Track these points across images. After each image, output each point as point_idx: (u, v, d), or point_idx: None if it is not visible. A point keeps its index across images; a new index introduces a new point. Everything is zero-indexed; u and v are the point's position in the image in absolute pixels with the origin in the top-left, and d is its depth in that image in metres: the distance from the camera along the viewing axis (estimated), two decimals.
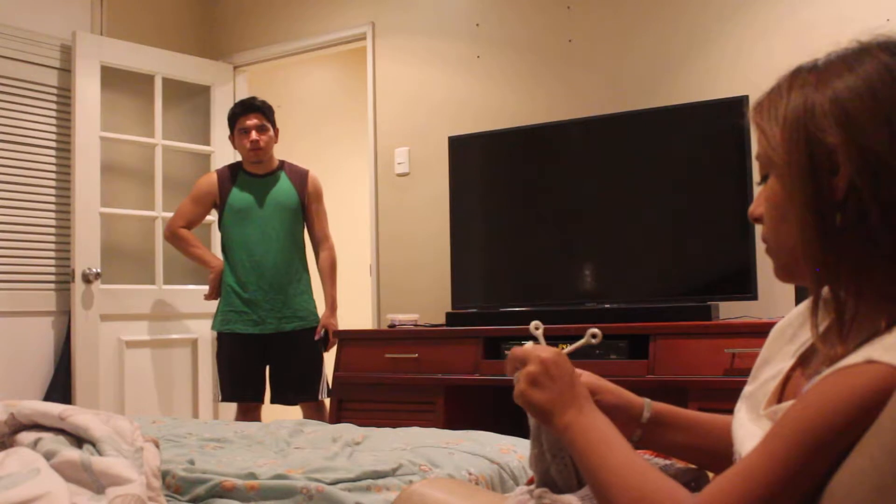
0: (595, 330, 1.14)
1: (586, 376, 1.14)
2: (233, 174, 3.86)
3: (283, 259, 3.77)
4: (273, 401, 3.85)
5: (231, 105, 4.08)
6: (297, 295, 3.79)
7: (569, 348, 1.12)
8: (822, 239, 0.86)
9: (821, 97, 0.87)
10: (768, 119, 0.91)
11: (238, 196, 3.80)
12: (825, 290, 0.89)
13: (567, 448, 1.02)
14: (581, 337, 1.15)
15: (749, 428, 0.96)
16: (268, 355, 3.79)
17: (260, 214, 3.78)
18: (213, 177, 3.90)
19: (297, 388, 3.80)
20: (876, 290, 0.85)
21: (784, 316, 1.07)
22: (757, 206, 0.96)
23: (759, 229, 0.98)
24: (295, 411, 3.96)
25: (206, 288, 3.90)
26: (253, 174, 3.84)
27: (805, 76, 0.90)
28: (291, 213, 3.82)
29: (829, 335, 0.90)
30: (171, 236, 3.91)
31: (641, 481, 0.90)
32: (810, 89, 0.88)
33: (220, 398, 3.88)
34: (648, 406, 1.16)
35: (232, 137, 3.89)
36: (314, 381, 3.80)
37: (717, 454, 1.13)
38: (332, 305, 3.84)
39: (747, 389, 1.04)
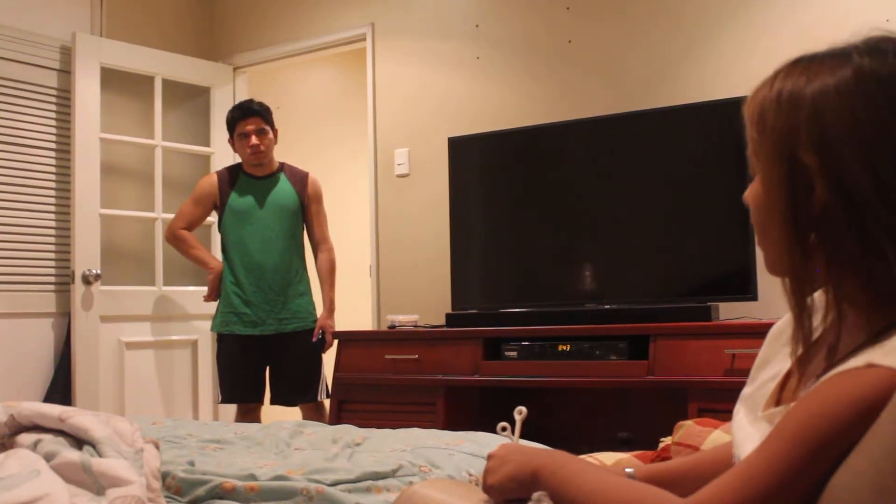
0: (520, 408, 1.21)
1: None
2: (233, 176, 3.87)
3: (282, 261, 3.77)
4: (273, 402, 3.85)
5: (230, 106, 4.08)
6: (296, 296, 3.79)
7: (514, 438, 1.19)
8: (799, 253, 0.87)
9: (805, 113, 0.86)
10: (760, 123, 0.91)
11: (238, 198, 3.80)
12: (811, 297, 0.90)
13: (549, 498, 1.03)
14: (520, 418, 1.22)
15: (747, 430, 0.97)
16: (267, 356, 3.79)
17: (260, 216, 3.78)
18: (214, 178, 3.90)
19: (297, 389, 3.80)
20: (856, 301, 0.86)
21: (783, 317, 1.07)
22: (750, 193, 0.97)
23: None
24: (295, 412, 3.96)
25: (206, 289, 3.90)
26: (253, 176, 3.84)
27: (797, 79, 0.89)
28: (291, 214, 3.82)
29: (814, 345, 0.91)
30: (172, 237, 3.91)
31: (622, 492, 0.91)
32: (799, 90, 0.88)
33: (219, 399, 3.88)
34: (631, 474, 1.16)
35: (231, 141, 3.89)
36: (313, 383, 3.80)
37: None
38: (329, 307, 3.84)
39: (746, 391, 1.05)
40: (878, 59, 0.85)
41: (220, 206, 3.84)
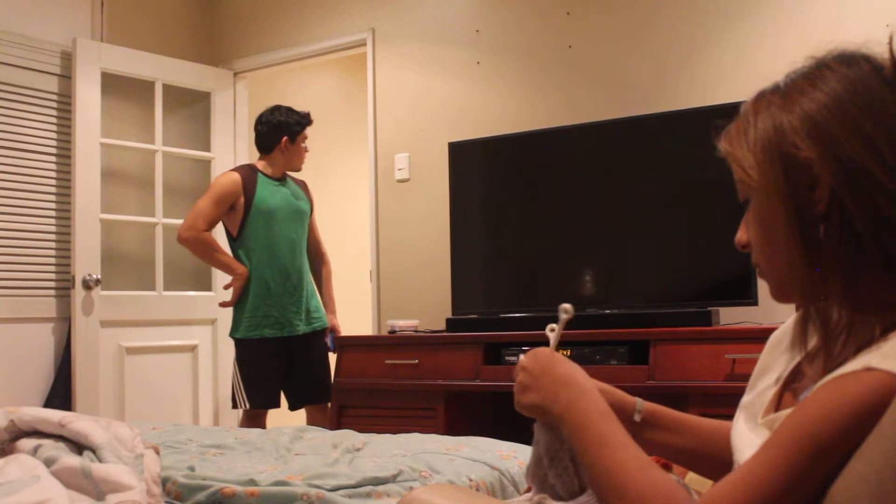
0: (566, 305, 1.17)
1: None
2: (254, 176, 3.76)
3: (303, 262, 3.81)
4: (295, 406, 3.82)
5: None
6: (311, 297, 3.83)
7: (551, 344, 1.15)
8: (808, 253, 0.86)
9: (789, 116, 0.88)
10: (738, 146, 0.92)
11: (264, 198, 3.72)
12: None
13: (569, 442, 1.03)
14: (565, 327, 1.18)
15: (748, 437, 0.96)
16: (291, 358, 3.76)
17: (286, 218, 3.75)
18: (237, 177, 3.73)
19: (321, 388, 3.79)
20: (867, 298, 0.86)
21: (784, 322, 1.07)
22: (742, 234, 0.97)
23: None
24: (293, 417, 3.96)
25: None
26: (272, 178, 3.79)
27: (769, 98, 0.91)
28: (306, 217, 3.87)
29: (819, 350, 0.90)
30: (195, 240, 3.66)
31: (642, 482, 0.89)
32: (776, 110, 0.89)
33: (246, 406, 3.68)
34: (640, 406, 1.16)
35: (287, 141, 3.78)
36: (330, 381, 3.80)
37: (708, 458, 1.13)
38: (334, 308, 3.93)
39: (745, 399, 1.05)
40: (851, 64, 0.88)
41: (246, 205, 3.71)
